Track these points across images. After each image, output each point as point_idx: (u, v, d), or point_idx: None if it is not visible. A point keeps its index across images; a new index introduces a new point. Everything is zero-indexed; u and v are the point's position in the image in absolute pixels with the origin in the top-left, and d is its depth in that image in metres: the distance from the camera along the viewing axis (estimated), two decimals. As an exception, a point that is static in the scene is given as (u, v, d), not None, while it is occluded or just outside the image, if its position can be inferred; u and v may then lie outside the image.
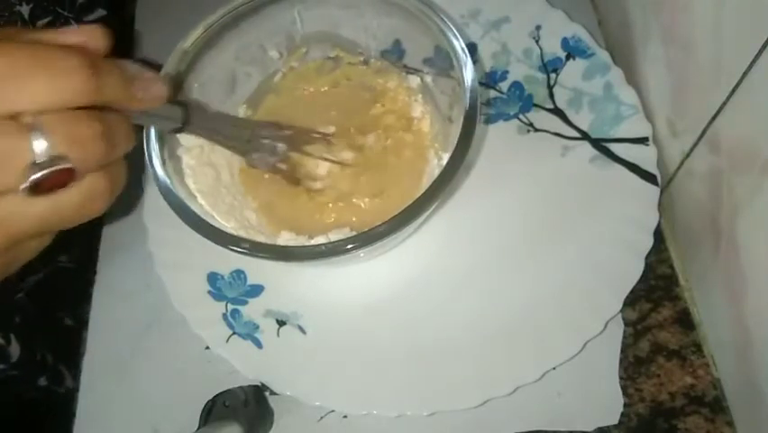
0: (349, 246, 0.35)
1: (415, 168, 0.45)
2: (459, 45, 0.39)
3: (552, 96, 0.49)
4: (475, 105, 0.38)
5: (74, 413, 0.44)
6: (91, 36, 0.26)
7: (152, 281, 0.45)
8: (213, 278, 0.45)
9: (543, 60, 0.50)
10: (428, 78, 0.46)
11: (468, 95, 0.38)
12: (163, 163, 0.38)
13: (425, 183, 0.42)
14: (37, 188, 0.24)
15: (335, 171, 0.44)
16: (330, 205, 0.44)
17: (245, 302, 0.44)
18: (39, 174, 0.23)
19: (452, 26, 0.40)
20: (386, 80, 0.48)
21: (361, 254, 0.37)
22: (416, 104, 0.47)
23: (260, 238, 0.41)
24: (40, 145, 0.23)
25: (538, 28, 0.50)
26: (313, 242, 0.40)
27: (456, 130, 0.37)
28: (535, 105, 0.49)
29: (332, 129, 0.45)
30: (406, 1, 0.41)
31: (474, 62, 0.48)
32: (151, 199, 0.47)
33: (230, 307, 0.44)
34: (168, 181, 0.38)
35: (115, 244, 0.49)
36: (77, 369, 0.46)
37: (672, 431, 0.41)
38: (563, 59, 0.49)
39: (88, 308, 0.47)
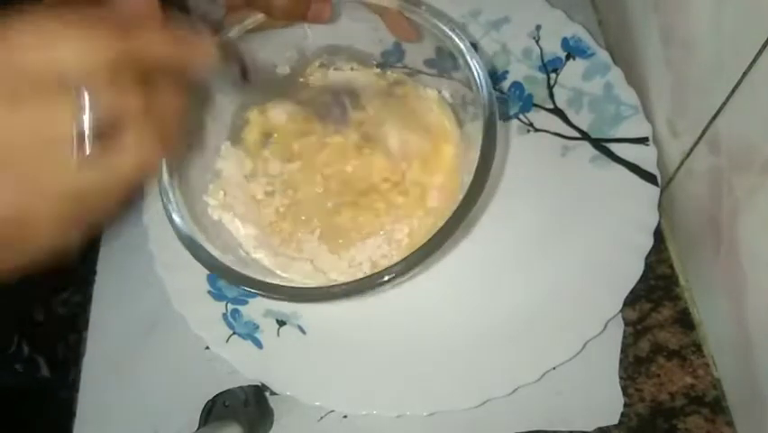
0: (365, 286, 0.35)
1: (431, 180, 0.45)
2: (482, 79, 0.39)
3: (552, 96, 0.49)
4: (494, 131, 0.37)
5: (74, 413, 0.44)
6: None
7: (152, 281, 0.45)
8: (213, 278, 0.45)
9: (543, 60, 0.50)
10: (446, 93, 0.46)
11: (487, 116, 0.37)
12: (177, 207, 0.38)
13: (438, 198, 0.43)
14: (86, 153, 0.24)
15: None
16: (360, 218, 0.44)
17: (245, 302, 0.44)
18: (85, 141, 0.24)
19: (474, 55, 0.39)
20: (402, 92, 0.47)
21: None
22: (431, 114, 0.46)
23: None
24: (80, 106, 0.24)
25: (538, 28, 0.50)
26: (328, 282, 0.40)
27: (471, 141, 0.37)
28: (535, 106, 0.49)
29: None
30: (419, 17, 0.41)
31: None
32: (151, 199, 0.47)
33: (230, 307, 0.44)
34: (183, 224, 0.38)
35: (115, 244, 0.49)
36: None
37: (672, 431, 0.41)
38: (563, 59, 0.49)
39: (89, 308, 0.47)
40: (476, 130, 0.38)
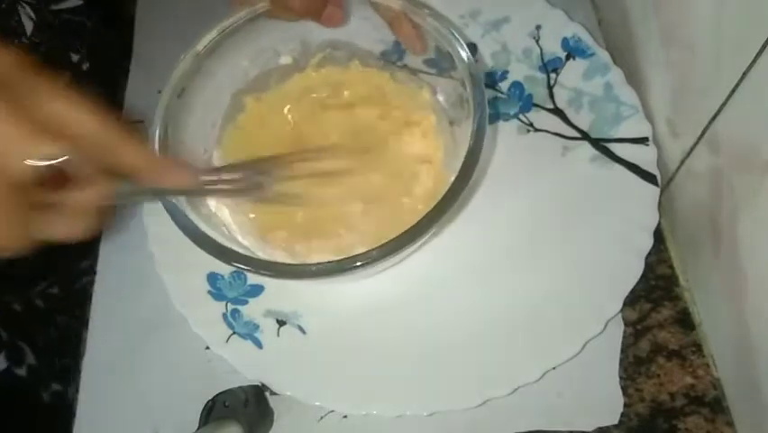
0: (355, 264, 0.35)
1: (422, 178, 0.44)
2: (474, 80, 0.39)
3: (552, 96, 0.49)
4: (483, 127, 0.37)
5: (74, 413, 0.44)
6: None
7: (152, 281, 0.45)
8: (213, 278, 0.45)
9: (543, 60, 0.50)
10: (441, 96, 0.46)
11: (476, 115, 0.38)
12: None
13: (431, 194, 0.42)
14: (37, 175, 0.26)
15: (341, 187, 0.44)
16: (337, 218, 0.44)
17: (245, 302, 0.44)
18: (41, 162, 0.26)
19: (469, 56, 0.40)
20: (399, 90, 0.47)
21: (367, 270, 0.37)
22: (427, 117, 0.46)
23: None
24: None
25: (538, 28, 0.50)
26: (316, 260, 0.40)
27: (459, 141, 0.38)
28: (535, 105, 0.49)
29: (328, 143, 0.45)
30: (420, 18, 0.41)
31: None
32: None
33: (230, 307, 0.44)
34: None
35: (115, 244, 0.49)
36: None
37: (672, 431, 0.41)
38: (563, 59, 0.49)
39: (89, 308, 0.47)
40: (459, 135, 0.38)
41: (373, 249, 0.35)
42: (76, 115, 0.28)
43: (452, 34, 0.40)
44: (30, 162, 0.26)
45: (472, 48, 0.51)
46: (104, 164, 0.29)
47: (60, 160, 0.26)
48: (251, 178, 0.40)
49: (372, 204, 0.44)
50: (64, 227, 0.29)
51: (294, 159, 0.42)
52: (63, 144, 0.27)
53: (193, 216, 0.38)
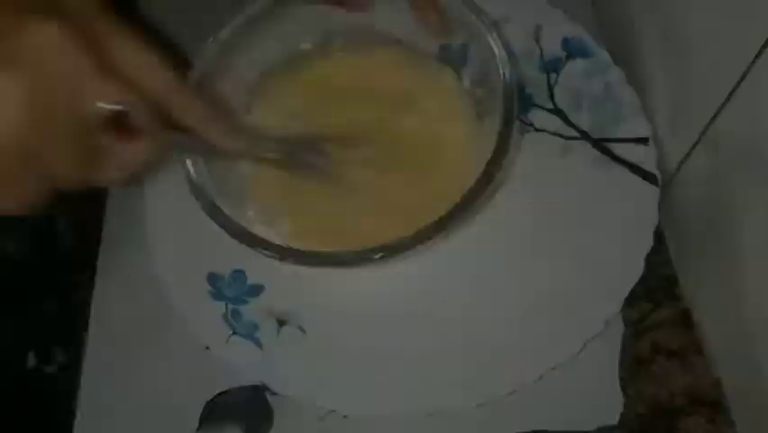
0: (375, 256, 0.36)
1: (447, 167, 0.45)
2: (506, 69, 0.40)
3: (552, 96, 0.49)
4: (511, 113, 0.38)
5: (74, 413, 0.44)
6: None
7: (152, 281, 0.45)
8: (213, 278, 0.45)
9: (543, 60, 0.50)
10: (467, 81, 0.45)
11: (505, 103, 0.39)
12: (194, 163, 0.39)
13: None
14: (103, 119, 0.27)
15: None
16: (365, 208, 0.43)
17: (245, 302, 0.44)
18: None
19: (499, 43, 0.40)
20: (424, 75, 0.47)
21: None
22: (452, 101, 0.46)
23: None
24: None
25: (538, 28, 0.50)
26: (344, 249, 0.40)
27: (487, 134, 0.38)
28: (535, 105, 0.49)
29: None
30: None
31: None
32: (151, 199, 0.47)
33: (230, 307, 0.44)
34: (200, 180, 0.38)
35: (116, 243, 0.49)
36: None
37: (672, 431, 0.41)
38: (563, 59, 0.49)
39: (88, 307, 0.47)
40: (486, 126, 0.38)
41: (406, 237, 0.36)
42: (147, 66, 0.28)
43: (480, 18, 0.40)
44: (101, 105, 0.26)
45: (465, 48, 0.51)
46: (164, 117, 0.30)
47: (126, 108, 0.27)
48: (298, 152, 0.41)
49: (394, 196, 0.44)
50: (112, 173, 0.29)
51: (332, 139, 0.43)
52: (133, 93, 0.27)
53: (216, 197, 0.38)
